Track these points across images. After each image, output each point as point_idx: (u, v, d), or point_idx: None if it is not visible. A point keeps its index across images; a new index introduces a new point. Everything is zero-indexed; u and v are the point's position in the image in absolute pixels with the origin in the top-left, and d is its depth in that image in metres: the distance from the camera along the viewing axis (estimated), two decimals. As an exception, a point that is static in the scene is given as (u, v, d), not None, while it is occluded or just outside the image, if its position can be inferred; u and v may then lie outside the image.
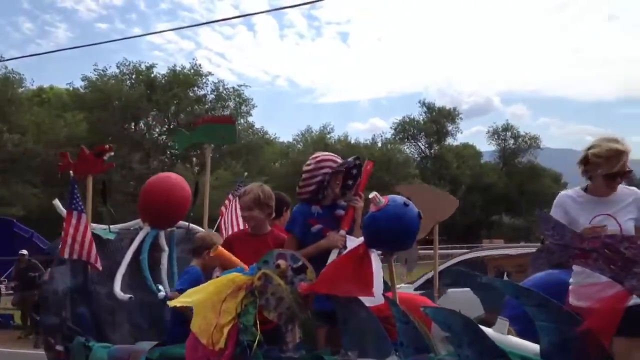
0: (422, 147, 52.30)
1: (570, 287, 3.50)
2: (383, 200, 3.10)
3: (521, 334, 3.09)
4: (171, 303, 3.41)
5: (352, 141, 50.27)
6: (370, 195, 3.12)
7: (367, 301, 3.13)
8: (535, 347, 2.83)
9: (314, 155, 3.88)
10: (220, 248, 3.74)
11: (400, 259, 3.26)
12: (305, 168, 3.81)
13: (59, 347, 3.72)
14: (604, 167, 3.47)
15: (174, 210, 4.21)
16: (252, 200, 3.94)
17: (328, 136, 50.99)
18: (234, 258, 3.57)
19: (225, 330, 3.20)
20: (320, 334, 3.47)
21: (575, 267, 3.40)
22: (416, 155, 51.74)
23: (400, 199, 3.14)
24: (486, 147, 55.49)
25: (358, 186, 3.84)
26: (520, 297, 2.78)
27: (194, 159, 42.48)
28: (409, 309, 3.09)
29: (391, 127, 54.28)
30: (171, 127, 41.41)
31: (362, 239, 3.26)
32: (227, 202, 4.83)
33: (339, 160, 3.82)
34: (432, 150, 51.10)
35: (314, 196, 3.77)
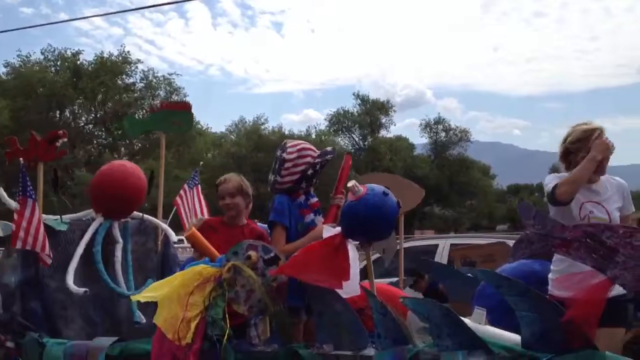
0: (356, 139, 52.77)
1: (550, 276, 3.53)
2: (362, 189, 3.03)
3: (493, 325, 3.08)
4: (135, 298, 3.25)
5: (287, 132, 50.21)
6: (349, 184, 3.05)
7: (343, 292, 3.05)
8: (514, 337, 2.82)
9: (293, 144, 3.83)
10: (195, 230, 3.58)
11: (378, 249, 3.20)
12: (287, 157, 3.76)
13: (10, 344, 3.48)
14: (584, 149, 3.50)
15: (129, 200, 4.00)
16: (236, 188, 3.91)
17: (262, 127, 50.76)
18: (207, 244, 3.43)
19: (193, 325, 3.06)
20: (298, 329, 3.39)
21: (556, 257, 3.42)
22: (350, 147, 52.18)
23: (379, 188, 3.08)
24: (418, 139, 56.60)
25: (339, 183, 3.83)
26: (502, 286, 2.75)
27: (122, 148, 41.40)
28: (384, 300, 3.04)
29: (325, 119, 54.59)
30: (98, 116, 40.24)
31: (338, 228, 3.18)
32: (182, 192, 4.65)
33: (315, 149, 3.82)
34: (366, 142, 51.63)
35: (296, 186, 3.72)
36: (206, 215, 4.56)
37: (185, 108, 4.51)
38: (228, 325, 3.08)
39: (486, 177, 52.96)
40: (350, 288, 3.09)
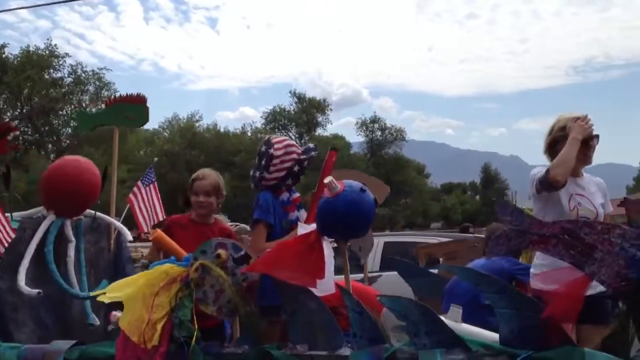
0: (293, 137, 52.81)
1: (534, 270, 3.55)
2: (339, 185, 2.96)
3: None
4: (100, 298, 3.08)
5: (222, 130, 49.76)
6: (326, 180, 2.97)
7: (317, 290, 2.98)
8: (490, 335, 2.81)
9: (278, 139, 3.82)
10: (160, 232, 3.49)
11: (355, 246, 3.13)
12: (274, 153, 3.72)
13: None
14: None
15: (83, 197, 3.80)
16: (213, 186, 3.86)
17: (197, 124, 50.15)
18: (174, 244, 3.31)
19: (159, 327, 2.93)
20: (277, 330, 3.30)
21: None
22: (286, 146, 52.09)
23: (356, 184, 3.02)
24: (355, 138, 57.22)
25: (322, 179, 3.82)
26: (480, 283, 2.74)
27: (50, 145, 40.05)
28: (359, 298, 2.99)
29: (262, 117, 54.44)
30: (24, 111, 38.78)
31: (314, 225, 3.10)
32: (136, 190, 4.47)
33: (298, 146, 3.83)
34: (303, 141, 51.75)
35: (281, 182, 3.69)
36: (161, 215, 4.40)
37: (140, 102, 4.33)
38: (196, 327, 2.96)
39: (421, 175, 54.01)
40: (325, 286, 3.02)
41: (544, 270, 3.43)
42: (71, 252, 3.77)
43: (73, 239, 3.80)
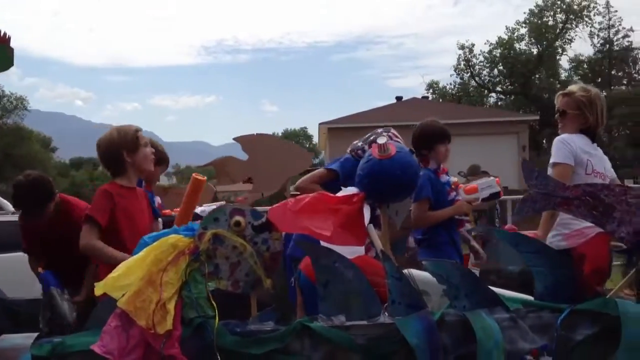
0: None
1: (558, 231, 3.69)
2: (391, 147, 2.71)
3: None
4: (111, 292, 2.32)
5: None
6: (381, 141, 2.68)
7: (348, 253, 2.70)
8: (512, 294, 2.93)
9: None
10: None
11: (392, 210, 2.87)
12: None
13: None
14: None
15: None
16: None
17: None
18: None
19: (170, 307, 2.44)
20: None
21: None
22: None
23: (404, 146, 2.81)
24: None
25: None
26: (519, 244, 2.84)
27: None
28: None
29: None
30: None
31: (353, 188, 2.76)
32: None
33: None
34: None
35: None
36: None
37: (1, 41, 3.30)
38: (215, 304, 2.52)
39: (46, 149, 49.68)
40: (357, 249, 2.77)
41: (569, 230, 3.69)
42: None
43: None
